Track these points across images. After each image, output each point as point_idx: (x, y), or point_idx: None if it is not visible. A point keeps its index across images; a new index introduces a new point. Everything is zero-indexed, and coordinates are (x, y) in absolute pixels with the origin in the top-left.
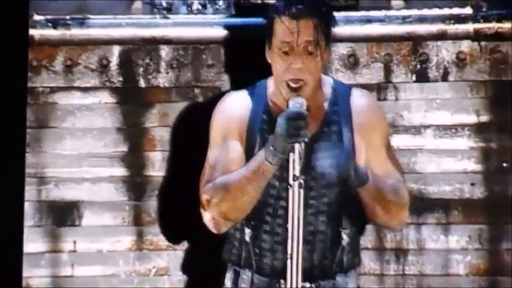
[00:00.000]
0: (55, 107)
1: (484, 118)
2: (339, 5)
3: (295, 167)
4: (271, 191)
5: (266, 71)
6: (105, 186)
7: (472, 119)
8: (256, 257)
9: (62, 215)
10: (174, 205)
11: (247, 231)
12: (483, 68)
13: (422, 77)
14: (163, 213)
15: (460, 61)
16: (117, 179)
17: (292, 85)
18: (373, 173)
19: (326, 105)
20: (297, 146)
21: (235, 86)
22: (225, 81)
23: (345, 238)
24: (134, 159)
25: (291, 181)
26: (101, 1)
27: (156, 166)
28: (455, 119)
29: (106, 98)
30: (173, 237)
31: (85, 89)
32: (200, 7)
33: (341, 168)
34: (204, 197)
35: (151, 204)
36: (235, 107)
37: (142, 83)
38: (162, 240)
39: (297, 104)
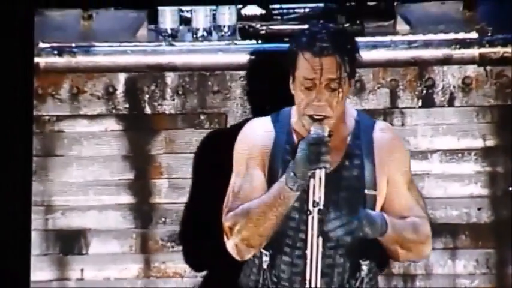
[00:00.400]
0: (61, 135)
1: (490, 142)
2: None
3: (315, 193)
4: (290, 223)
5: (283, 98)
6: (112, 214)
7: (478, 143)
8: (273, 286)
9: (69, 243)
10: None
11: (265, 258)
12: (489, 93)
13: (428, 102)
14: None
15: (466, 86)
16: (123, 207)
17: (315, 117)
18: (393, 209)
19: (349, 138)
20: (317, 172)
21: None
22: (230, 107)
23: (364, 269)
24: (141, 187)
25: (310, 207)
26: (106, 28)
27: (163, 193)
28: (462, 144)
29: (112, 125)
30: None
31: (91, 117)
32: (205, 34)
33: (355, 233)
34: (226, 224)
35: (159, 231)
36: (258, 134)
37: (148, 110)
38: (169, 268)
39: (319, 129)
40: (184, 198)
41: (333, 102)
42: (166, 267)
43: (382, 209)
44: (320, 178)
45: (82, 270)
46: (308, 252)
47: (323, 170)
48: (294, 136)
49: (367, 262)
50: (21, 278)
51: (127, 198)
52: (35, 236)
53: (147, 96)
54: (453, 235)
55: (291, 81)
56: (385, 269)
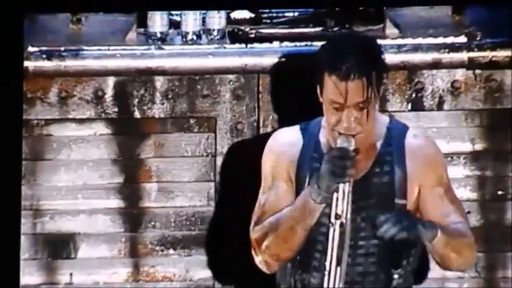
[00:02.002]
0: (50, 139)
1: (480, 146)
2: (333, 34)
3: (338, 206)
4: (320, 228)
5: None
6: (101, 218)
7: (467, 147)
8: None
9: (58, 247)
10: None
11: (296, 264)
12: (478, 97)
13: (417, 105)
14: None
15: (455, 90)
16: (113, 211)
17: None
18: (429, 217)
19: (379, 144)
20: (341, 185)
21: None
22: (220, 111)
23: (396, 278)
24: (130, 191)
25: (332, 219)
26: (96, 32)
27: (152, 197)
28: (451, 148)
29: (101, 129)
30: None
31: (80, 121)
32: (195, 37)
33: (409, 231)
34: (253, 237)
35: (148, 235)
36: (284, 144)
37: (137, 114)
38: (158, 272)
39: (345, 143)
40: (174, 202)
41: (362, 120)
42: (156, 271)
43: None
44: (344, 191)
45: (71, 274)
46: (327, 263)
47: (347, 184)
48: (322, 145)
49: (399, 271)
50: (11, 283)
51: (116, 202)
52: (23, 240)
53: (137, 100)
54: None
55: (318, 92)
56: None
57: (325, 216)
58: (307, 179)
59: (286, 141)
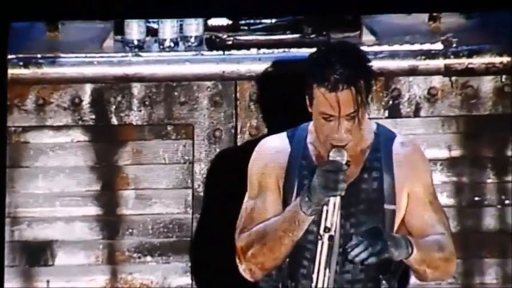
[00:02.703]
0: (27, 146)
1: (456, 153)
2: (310, 41)
3: (327, 219)
4: (309, 236)
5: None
6: (79, 225)
7: (444, 153)
8: None
9: (35, 254)
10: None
11: (285, 272)
12: (454, 103)
13: (394, 112)
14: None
15: (432, 96)
16: (90, 218)
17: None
18: (414, 225)
19: (367, 151)
20: (332, 198)
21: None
22: (197, 118)
23: (384, 284)
24: (107, 198)
25: (321, 232)
26: (73, 39)
27: (130, 204)
28: (428, 154)
29: (78, 136)
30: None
31: (57, 128)
32: (172, 44)
33: (380, 255)
34: (239, 244)
35: (125, 242)
36: (272, 151)
37: (114, 121)
38: (136, 279)
39: (338, 156)
40: (151, 209)
41: (353, 130)
42: (133, 278)
43: (402, 224)
44: (334, 204)
45: (48, 281)
46: (314, 276)
47: (338, 198)
48: (311, 151)
49: (386, 276)
50: None
51: (93, 209)
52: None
53: (114, 107)
54: None
55: (307, 102)
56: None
57: (313, 224)
58: (295, 187)
59: (273, 148)
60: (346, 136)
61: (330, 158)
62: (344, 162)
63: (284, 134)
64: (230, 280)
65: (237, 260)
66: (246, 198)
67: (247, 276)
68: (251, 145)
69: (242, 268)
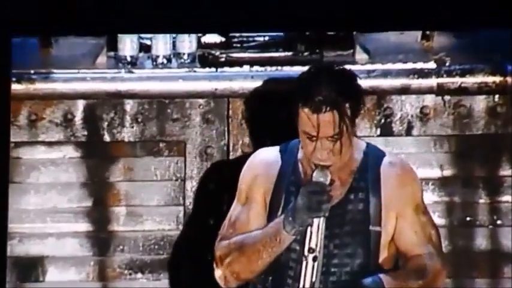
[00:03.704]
0: (19, 161)
1: (448, 172)
2: (303, 59)
3: (311, 239)
4: (292, 255)
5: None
6: (70, 241)
7: (436, 173)
8: None
9: (26, 270)
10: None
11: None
12: (447, 123)
13: (386, 131)
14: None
15: (424, 115)
16: (81, 234)
17: (319, 164)
18: (402, 245)
19: (355, 171)
20: (316, 220)
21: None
22: (189, 135)
23: None
24: (99, 214)
25: (306, 252)
26: (65, 55)
27: (121, 221)
28: (419, 174)
29: (70, 152)
30: None
31: (49, 144)
32: (165, 61)
33: None
34: (218, 253)
35: (116, 259)
36: (262, 164)
37: (107, 137)
38: None
39: (321, 177)
40: (142, 226)
41: (336, 150)
42: None
43: (392, 243)
44: (318, 225)
45: None
46: None
47: (322, 218)
48: (300, 168)
49: None
50: None
51: (85, 226)
52: None
53: (106, 123)
54: None
55: (295, 121)
56: None
57: (295, 242)
58: (282, 202)
59: (264, 161)
60: (327, 157)
61: (313, 179)
62: (327, 183)
63: (277, 148)
64: None
65: (214, 266)
66: (232, 206)
67: (221, 283)
68: (241, 159)
69: (218, 275)
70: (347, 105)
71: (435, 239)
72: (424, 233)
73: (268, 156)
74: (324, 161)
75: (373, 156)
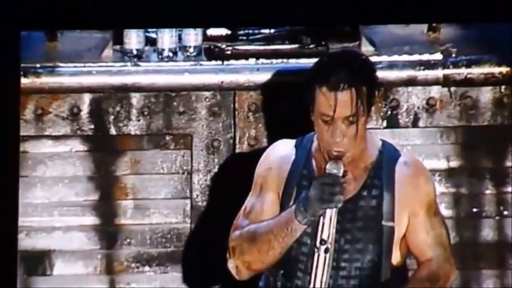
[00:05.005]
0: (26, 155)
1: (454, 164)
2: (309, 51)
3: (323, 231)
4: (303, 248)
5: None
6: (77, 235)
7: (442, 164)
8: None
9: (34, 264)
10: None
11: (279, 279)
12: (453, 114)
13: (392, 123)
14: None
15: (430, 107)
16: (88, 228)
17: (334, 154)
18: (413, 246)
19: (369, 168)
20: (328, 211)
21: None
22: (196, 128)
23: None
24: (105, 208)
25: (317, 244)
26: (71, 49)
27: (128, 214)
28: (426, 165)
29: (77, 146)
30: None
31: (56, 138)
32: (171, 54)
33: None
34: (231, 243)
35: (123, 252)
36: (278, 157)
37: (113, 131)
38: None
39: (334, 169)
40: (149, 219)
41: (351, 136)
42: None
43: (403, 243)
44: (331, 217)
45: None
46: (311, 286)
47: (334, 210)
48: (313, 162)
49: None
50: None
51: (92, 219)
52: None
53: (112, 117)
54: None
55: (310, 109)
56: None
57: (306, 236)
58: (293, 196)
59: (279, 154)
60: (342, 142)
61: (327, 171)
62: (340, 174)
63: (293, 141)
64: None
65: (227, 256)
66: (248, 197)
67: (233, 273)
68: (257, 152)
69: (230, 265)
70: (364, 87)
71: (445, 239)
72: (435, 234)
73: (283, 149)
74: (338, 146)
75: (389, 155)
